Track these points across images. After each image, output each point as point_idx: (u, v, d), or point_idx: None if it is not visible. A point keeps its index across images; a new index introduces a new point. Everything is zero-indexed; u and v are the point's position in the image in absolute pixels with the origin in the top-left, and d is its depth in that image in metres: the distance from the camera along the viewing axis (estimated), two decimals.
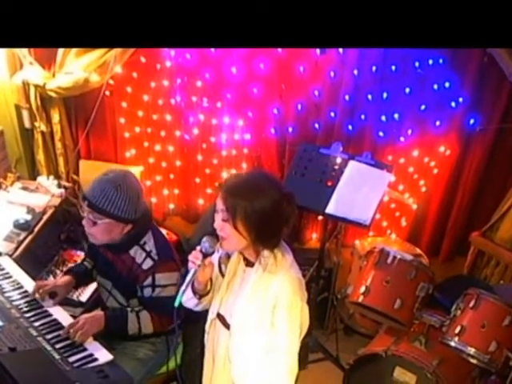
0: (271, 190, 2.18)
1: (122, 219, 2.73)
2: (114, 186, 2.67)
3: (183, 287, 2.26)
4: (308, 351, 3.96)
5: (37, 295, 2.92)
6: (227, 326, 2.36)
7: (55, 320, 2.82)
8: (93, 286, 3.46)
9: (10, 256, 3.36)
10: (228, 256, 2.40)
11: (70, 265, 3.68)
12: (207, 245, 2.25)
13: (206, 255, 2.25)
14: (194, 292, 2.40)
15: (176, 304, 2.24)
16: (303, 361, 3.89)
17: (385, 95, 4.16)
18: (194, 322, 2.84)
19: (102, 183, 2.70)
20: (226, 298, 2.38)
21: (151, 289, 2.80)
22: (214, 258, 2.37)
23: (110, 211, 2.68)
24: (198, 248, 2.27)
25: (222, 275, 2.41)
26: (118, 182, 2.69)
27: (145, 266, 2.80)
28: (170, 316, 2.63)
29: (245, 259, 2.33)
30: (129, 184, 2.72)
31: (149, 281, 2.79)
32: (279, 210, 2.17)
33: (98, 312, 2.85)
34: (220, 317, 2.41)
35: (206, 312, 2.50)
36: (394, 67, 4.08)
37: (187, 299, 2.42)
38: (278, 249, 2.26)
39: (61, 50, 4.08)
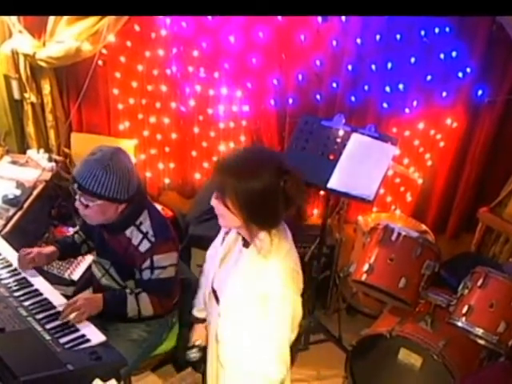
0: (266, 168, 2.05)
1: (114, 200, 2.69)
2: (103, 167, 2.61)
3: None
4: (309, 332, 3.96)
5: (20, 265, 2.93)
6: (219, 301, 2.34)
7: (46, 299, 2.80)
8: (85, 265, 3.47)
9: None
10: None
11: None
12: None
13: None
14: None
15: None
16: (304, 342, 3.94)
17: (389, 65, 4.08)
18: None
19: (89, 164, 2.64)
20: (219, 274, 2.35)
21: (150, 271, 2.79)
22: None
23: (101, 193, 2.63)
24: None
25: None
26: (107, 161, 2.62)
27: (142, 249, 2.77)
28: (170, 297, 2.92)
29: (243, 239, 2.25)
30: (118, 163, 2.66)
31: (147, 263, 2.77)
32: (275, 189, 2.04)
33: (97, 294, 2.83)
34: (214, 291, 2.39)
35: None
36: (398, 36, 4.00)
37: None
38: (276, 233, 2.16)
39: (51, 18, 4.02)
